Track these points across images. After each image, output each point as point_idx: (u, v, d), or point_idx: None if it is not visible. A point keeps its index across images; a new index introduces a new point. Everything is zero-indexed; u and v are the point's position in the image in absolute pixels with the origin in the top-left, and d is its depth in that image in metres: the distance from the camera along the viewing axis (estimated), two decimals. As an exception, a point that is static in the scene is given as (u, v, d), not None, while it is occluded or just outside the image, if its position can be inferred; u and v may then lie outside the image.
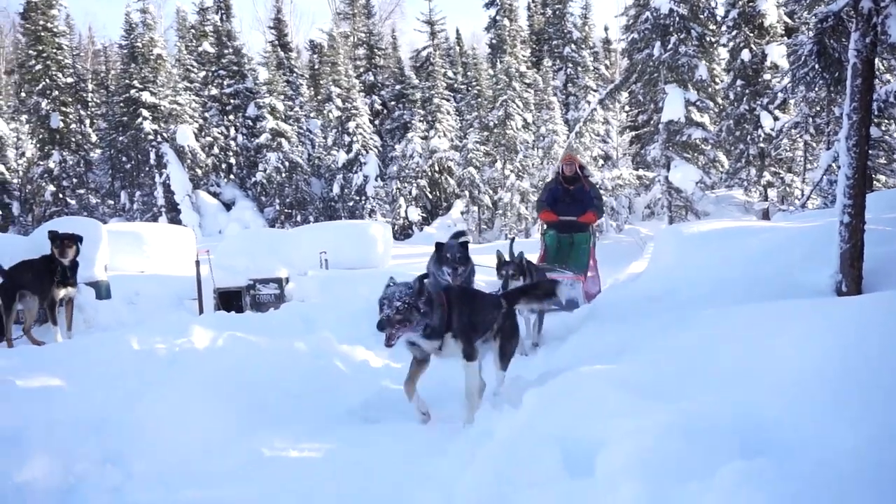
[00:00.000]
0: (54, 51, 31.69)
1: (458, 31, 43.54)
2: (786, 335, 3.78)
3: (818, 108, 20.28)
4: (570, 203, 11.49)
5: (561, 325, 8.63)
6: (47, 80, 31.30)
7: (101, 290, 10.19)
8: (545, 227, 12.06)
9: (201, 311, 11.31)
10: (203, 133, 32.28)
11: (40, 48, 31.22)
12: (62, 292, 8.96)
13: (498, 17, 38.82)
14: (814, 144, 22.51)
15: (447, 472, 3.80)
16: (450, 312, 5.32)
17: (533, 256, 11.05)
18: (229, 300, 12.65)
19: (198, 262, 11.66)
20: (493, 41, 39.39)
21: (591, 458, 2.74)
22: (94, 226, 10.93)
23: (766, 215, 23.13)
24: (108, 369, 3.94)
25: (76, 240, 9.07)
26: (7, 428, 3.80)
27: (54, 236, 9.03)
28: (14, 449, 3.69)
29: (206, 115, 32.88)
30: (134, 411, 4.14)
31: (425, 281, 5.32)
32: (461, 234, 11.18)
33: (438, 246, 8.69)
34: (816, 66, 6.99)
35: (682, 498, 2.30)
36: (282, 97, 33.04)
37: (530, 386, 4.64)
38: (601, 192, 13.25)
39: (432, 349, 5.40)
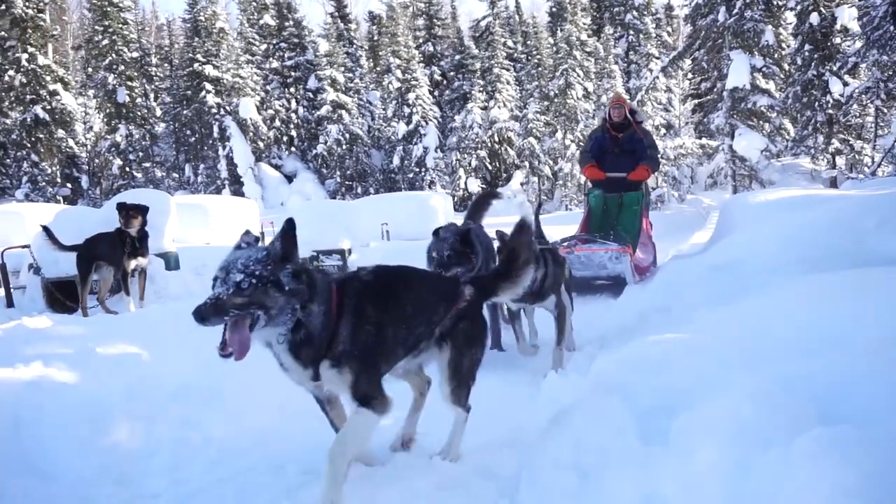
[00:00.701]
0: (120, 26, 32.25)
1: (517, -1, 43.17)
2: (861, 303, 3.71)
3: (891, 72, 19.69)
4: (619, 155, 10.24)
5: (603, 310, 7.91)
6: (113, 55, 31.88)
7: (170, 261, 10.39)
8: (590, 185, 10.82)
9: (267, 282, 11.46)
10: (265, 106, 32.60)
11: (106, 23, 31.78)
12: (133, 263, 9.14)
13: (558, -16, 38.39)
14: (885, 110, 21.95)
15: (523, 438, 3.81)
16: (339, 318, 3.15)
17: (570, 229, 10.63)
18: (294, 271, 12.78)
19: (262, 234, 11.82)
20: (554, 9, 38.96)
21: (667, 426, 2.74)
22: (162, 198, 11.14)
23: (833, 184, 22.61)
24: (184, 338, 4.03)
25: (142, 210, 9.23)
26: (89, 393, 3.92)
27: (121, 207, 9.21)
28: (97, 413, 3.81)
29: (268, 87, 33.19)
30: (211, 378, 4.24)
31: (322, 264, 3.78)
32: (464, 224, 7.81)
33: (435, 234, 5.98)
34: (891, 28, 6.80)
35: (763, 465, 2.29)
36: (342, 69, 33.19)
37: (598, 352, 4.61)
38: (656, 142, 11.53)
39: (303, 379, 3.22)
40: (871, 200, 7.42)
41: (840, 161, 24.17)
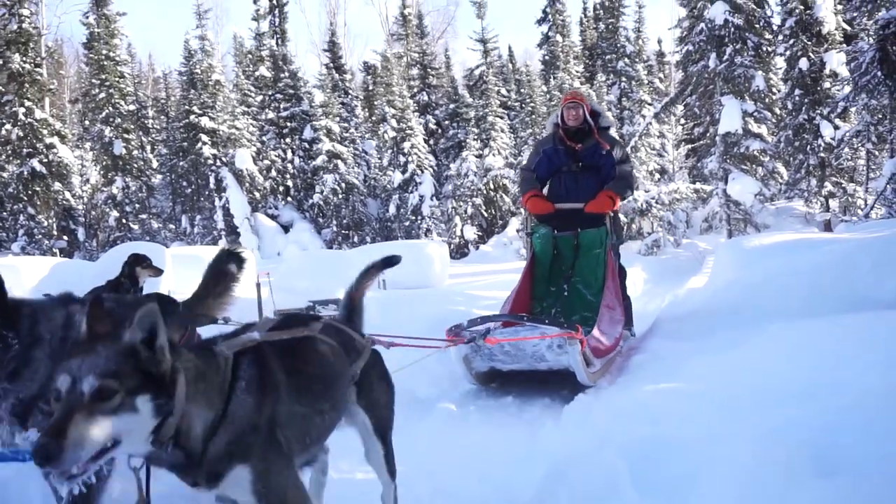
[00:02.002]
0: (117, 79, 32.48)
1: (510, 48, 43.66)
2: (855, 348, 3.72)
3: (881, 116, 19.88)
4: (577, 175, 7.47)
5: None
6: (110, 108, 32.06)
7: (166, 314, 10.36)
8: (534, 221, 7.88)
9: (263, 333, 11.43)
10: (261, 156, 32.74)
11: (103, 77, 32.02)
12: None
13: (550, 34, 38.85)
14: (876, 153, 22.10)
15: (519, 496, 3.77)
16: (228, 402, 2.35)
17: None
18: (290, 321, 12.75)
19: (258, 285, 11.80)
20: (546, 57, 39.38)
21: (664, 477, 2.72)
22: (157, 250, 11.16)
23: (828, 227, 22.68)
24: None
25: (148, 261, 9.18)
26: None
27: (136, 259, 9.14)
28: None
29: (264, 138, 33.36)
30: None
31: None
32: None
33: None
34: (879, 74, 6.90)
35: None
36: (337, 119, 33.39)
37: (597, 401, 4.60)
38: (630, 156, 9.01)
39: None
40: (864, 243, 7.46)
41: (833, 204, 24.28)
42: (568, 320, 6.54)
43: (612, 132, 7.82)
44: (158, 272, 8.90)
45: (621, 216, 26.98)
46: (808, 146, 23.53)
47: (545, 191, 7.70)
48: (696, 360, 5.19)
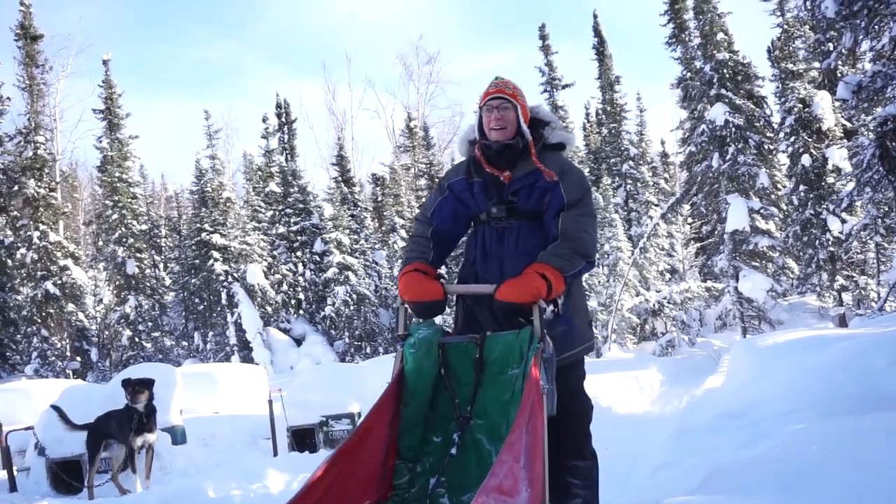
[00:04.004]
0: (129, 200, 33.07)
1: (515, 155, 44.23)
2: (870, 452, 3.64)
3: (886, 209, 19.96)
4: (501, 231, 4.14)
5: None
6: (123, 229, 32.52)
7: (177, 435, 10.30)
8: (410, 314, 4.10)
9: (275, 452, 11.32)
10: (272, 270, 32.96)
11: (116, 198, 32.58)
12: (140, 440, 9.05)
13: (554, 140, 39.42)
14: (885, 245, 22.08)
15: None
16: None
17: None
18: (303, 438, 12.63)
19: (270, 402, 11.75)
20: (551, 163, 39.92)
21: None
22: (168, 371, 11.16)
23: (842, 321, 22.49)
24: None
25: (148, 385, 9.18)
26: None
27: (126, 383, 9.20)
28: None
29: (275, 252, 33.65)
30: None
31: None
32: None
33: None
34: (881, 169, 6.95)
35: None
36: (347, 231, 33.72)
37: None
38: (592, 198, 4.30)
39: None
40: (879, 339, 7.39)
41: (847, 297, 24.14)
42: None
43: (568, 152, 4.52)
44: (144, 395, 9.07)
45: (632, 316, 27.01)
46: (817, 241, 23.53)
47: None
48: (716, 466, 5.08)
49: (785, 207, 25.39)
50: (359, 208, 38.27)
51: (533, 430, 3.35)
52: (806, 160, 23.24)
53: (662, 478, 5.66)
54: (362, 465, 3.52)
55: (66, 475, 9.51)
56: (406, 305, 4.06)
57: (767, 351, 9.85)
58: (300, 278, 33.74)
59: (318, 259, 33.43)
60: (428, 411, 3.92)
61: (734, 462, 5.00)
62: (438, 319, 4.24)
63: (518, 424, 3.21)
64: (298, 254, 33.97)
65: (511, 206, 4.09)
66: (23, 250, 29.89)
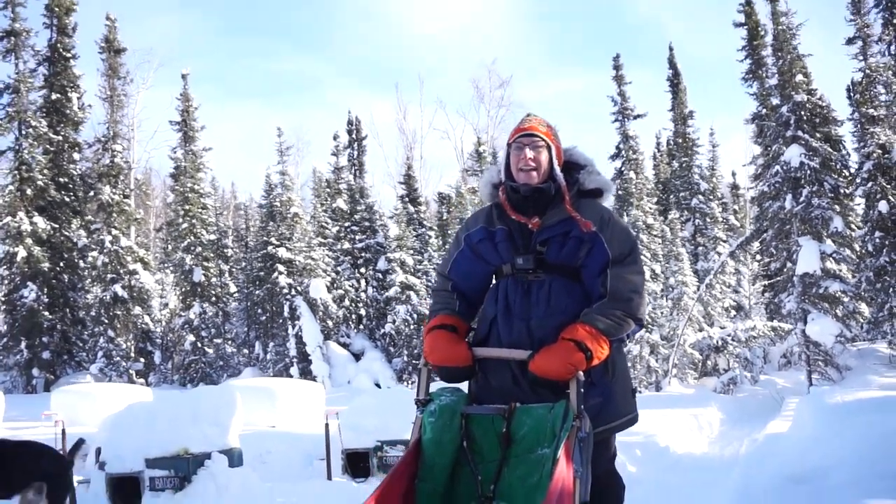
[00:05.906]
0: (199, 210, 33.75)
1: (583, 182, 43.98)
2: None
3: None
4: (528, 285, 3.57)
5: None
6: (192, 238, 33.17)
7: (234, 458, 10.34)
8: (434, 378, 3.66)
9: (329, 475, 11.36)
10: (335, 285, 33.23)
11: (187, 208, 33.28)
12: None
13: (623, 170, 39.08)
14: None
15: None
16: None
17: None
18: (357, 461, 12.65)
19: (327, 425, 11.79)
20: (620, 192, 39.63)
21: None
22: (229, 393, 11.25)
23: (914, 370, 21.86)
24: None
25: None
26: None
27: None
28: None
29: (339, 268, 33.92)
30: None
31: None
32: None
33: None
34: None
35: None
36: (411, 251, 33.86)
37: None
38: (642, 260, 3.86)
39: None
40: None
41: (921, 346, 23.51)
42: None
43: (608, 201, 3.97)
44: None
45: (694, 351, 26.59)
46: (891, 287, 22.94)
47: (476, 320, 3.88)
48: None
49: (859, 250, 24.77)
50: (424, 228, 38.42)
51: None
52: (883, 206, 22.66)
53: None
54: None
55: (124, 492, 9.58)
56: (429, 367, 3.64)
57: (836, 409, 9.54)
58: (362, 294, 33.95)
59: (380, 277, 33.61)
60: (446, 488, 3.49)
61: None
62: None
63: None
64: (362, 270, 34.20)
65: (540, 258, 3.58)
66: (94, 253, 30.79)
